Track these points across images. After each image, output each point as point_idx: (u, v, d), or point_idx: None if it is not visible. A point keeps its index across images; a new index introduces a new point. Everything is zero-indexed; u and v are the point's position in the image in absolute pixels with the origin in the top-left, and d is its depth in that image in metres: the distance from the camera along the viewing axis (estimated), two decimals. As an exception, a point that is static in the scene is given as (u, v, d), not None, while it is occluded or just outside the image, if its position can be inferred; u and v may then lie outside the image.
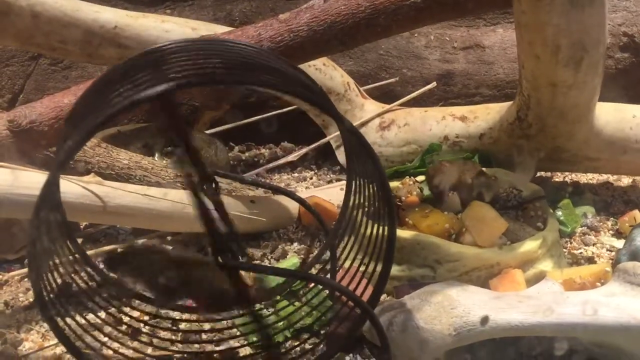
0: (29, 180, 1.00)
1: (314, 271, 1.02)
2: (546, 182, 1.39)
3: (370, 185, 0.89)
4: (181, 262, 0.85)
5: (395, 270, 1.04)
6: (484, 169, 1.17)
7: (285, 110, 1.54)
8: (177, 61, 0.72)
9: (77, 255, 0.86)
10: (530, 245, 1.05)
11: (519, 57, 1.21)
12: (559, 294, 0.91)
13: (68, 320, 0.83)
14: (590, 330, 0.84)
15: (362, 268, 0.91)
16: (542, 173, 1.42)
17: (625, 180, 1.44)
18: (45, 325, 0.98)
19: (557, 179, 1.45)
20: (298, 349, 0.93)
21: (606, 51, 1.19)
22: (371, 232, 0.90)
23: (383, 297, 1.04)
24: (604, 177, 1.45)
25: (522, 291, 0.95)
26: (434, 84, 1.54)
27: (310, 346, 0.93)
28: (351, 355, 0.93)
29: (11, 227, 1.14)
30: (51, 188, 0.70)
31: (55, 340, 0.83)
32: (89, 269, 0.89)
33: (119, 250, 0.99)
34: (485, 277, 1.03)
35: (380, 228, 0.86)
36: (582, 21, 1.09)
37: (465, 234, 1.07)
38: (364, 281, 0.90)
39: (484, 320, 0.82)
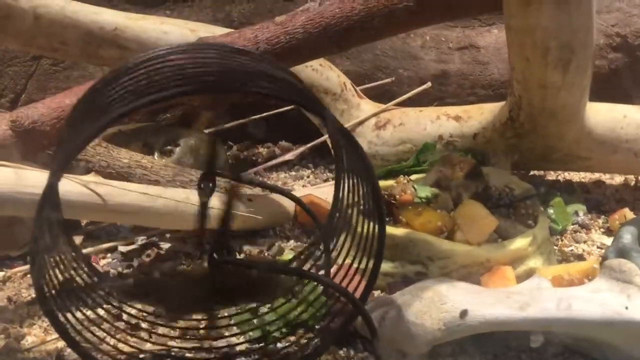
0: (32, 179, 1.02)
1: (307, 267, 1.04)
2: (538, 181, 1.41)
3: (363, 184, 0.91)
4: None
5: (388, 266, 1.07)
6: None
7: (283, 109, 1.56)
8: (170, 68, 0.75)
9: (74, 253, 0.89)
10: (520, 243, 1.07)
11: (509, 59, 1.23)
12: (547, 290, 0.93)
13: (68, 315, 0.85)
14: (573, 324, 0.87)
15: (355, 265, 0.94)
16: (535, 172, 1.44)
17: (617, 179, 1.46)
18: (47, 320, 1.00)
19: (549, 178, 1.47)
20: (293, 343, 0.96)
21: (595, 53, 1.21)
22: (362, 230, 0.92)
23: (377, 293, 1.06)
24: (596, 176, 1.47)
25: (511, 287, 0.97)
26: (429, 84, 1.56)
27: (305, 341, 0.96)
28: (345, 349, 0.96)
29: (14, 224, 1.16)
30: (55, 186, 0.73)
31: (57, 335, 0.85)
32: (83, 266, 0.91)
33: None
34: (476, 273, 1.05)
35: (372, 226, 0.89)
36: (570, 24, 1.11)
37: (457, 232, 1.09)
38: (357, 277, 0.92)
39: (463, 313, 0.84)
